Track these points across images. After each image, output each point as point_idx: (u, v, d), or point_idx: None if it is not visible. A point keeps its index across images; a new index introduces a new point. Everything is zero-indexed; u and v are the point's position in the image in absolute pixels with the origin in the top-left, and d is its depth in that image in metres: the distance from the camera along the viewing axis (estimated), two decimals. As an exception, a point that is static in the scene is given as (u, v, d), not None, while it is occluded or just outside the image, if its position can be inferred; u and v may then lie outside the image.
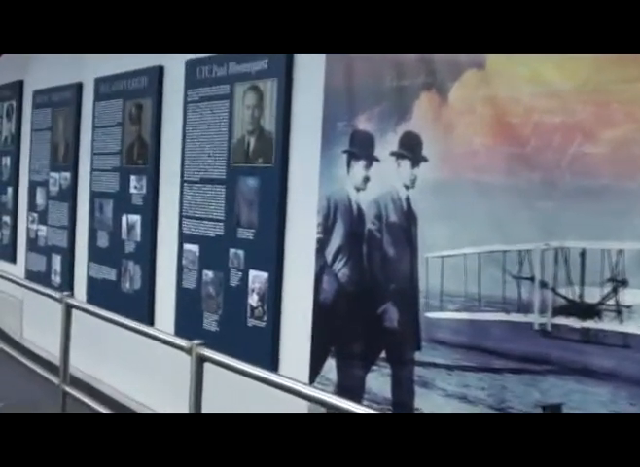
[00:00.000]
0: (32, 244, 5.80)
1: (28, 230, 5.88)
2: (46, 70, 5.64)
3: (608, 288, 2.12)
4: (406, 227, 2.70)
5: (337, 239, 2.98)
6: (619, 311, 2.10)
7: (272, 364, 3.27)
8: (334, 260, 2.98)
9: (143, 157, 4.34)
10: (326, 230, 3.02)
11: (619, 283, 2.09)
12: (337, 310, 2.98)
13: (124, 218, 4.52)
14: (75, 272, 5.21)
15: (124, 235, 4.51)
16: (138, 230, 4.38)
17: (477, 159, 2.45)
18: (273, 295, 3.29)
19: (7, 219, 6.33)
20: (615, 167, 2.09)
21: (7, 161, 6.36)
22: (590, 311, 2.16)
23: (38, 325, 5.67)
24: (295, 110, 3.24)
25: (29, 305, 5.83)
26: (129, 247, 4.46)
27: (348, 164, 2.94)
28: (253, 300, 3.40)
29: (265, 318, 3.34)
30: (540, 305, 2.30)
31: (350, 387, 2.90)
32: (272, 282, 3.29)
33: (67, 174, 5.27)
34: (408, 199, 2.69)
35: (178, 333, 3.81)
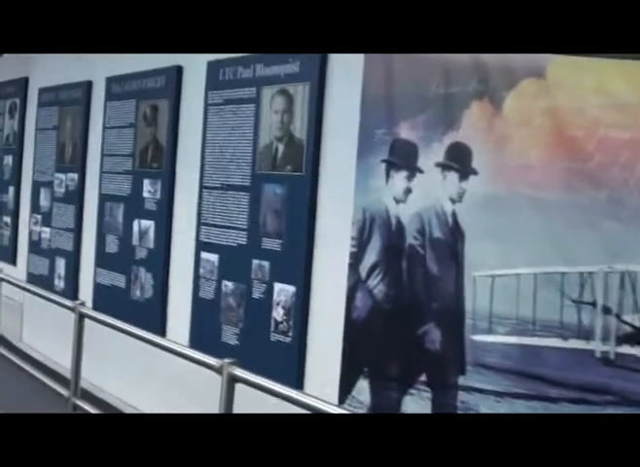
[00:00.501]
0: (34, 247, 5.61)
1: (31, 231, 5.69)
2: (52, 68, 5.46)
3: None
4: (451, 243, 2.55)
5: (372, 254, 2.82)
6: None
7: (297, 381, 3.12)
8: (369, 275, 2.82)
9: (158, 160, 4.17)
10: (361, 243, 2.86)
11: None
12: (371, 329, 2.82)
13: (135, 223, 4.34)
14: (80, 277, 5.04)
15: (135, 241, 4.33)
16: (151, 235, 4.20)
17: (533, 173, 2.31)
18: (300, 309, 3.13)
19: (7, 219, 6.15)
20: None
21: (9, 160, 6.17)
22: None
23: (37, 329, 5.53)
24: (327, 116, 3.08)
25: (29, 308, 5.68)
26: (141, 253, 4.28)
27: (387, 175, 2.78)
28: (278, 314, 3.24)
29: (290, 333, 3.18)
30: (602, 331, 2.16)
31: (385, 410, 2.75)
32: (300, 296, 3.13)
33: (74, 175, 5.09)
34: (454, 214, 2.54)
35: (193, 344, 3.68)
